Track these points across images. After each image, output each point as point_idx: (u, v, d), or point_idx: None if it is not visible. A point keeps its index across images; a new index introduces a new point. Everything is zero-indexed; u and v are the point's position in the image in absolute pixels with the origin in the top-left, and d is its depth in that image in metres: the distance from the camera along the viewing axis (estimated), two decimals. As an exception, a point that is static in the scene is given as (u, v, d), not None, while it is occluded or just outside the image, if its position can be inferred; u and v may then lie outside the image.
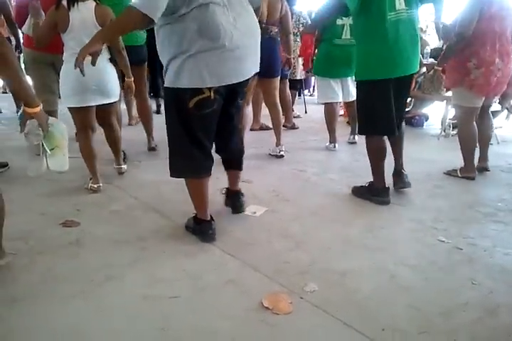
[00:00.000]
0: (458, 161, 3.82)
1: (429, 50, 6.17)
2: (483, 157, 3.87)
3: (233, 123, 2.59)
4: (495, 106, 5.50)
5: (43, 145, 2.09)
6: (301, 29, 6.02)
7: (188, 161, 2.39)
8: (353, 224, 2.78)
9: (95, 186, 3.17)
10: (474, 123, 3.71)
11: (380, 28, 2.81)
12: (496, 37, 3.41)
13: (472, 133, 3.70)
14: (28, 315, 1.79)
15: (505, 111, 6.24)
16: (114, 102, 3.23)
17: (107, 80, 3.04)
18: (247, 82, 2.40)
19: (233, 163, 2.76)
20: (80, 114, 3.09)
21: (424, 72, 5.91)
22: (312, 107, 7.30)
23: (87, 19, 2.92)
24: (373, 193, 3.14)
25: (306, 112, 7.08)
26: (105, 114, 3.25)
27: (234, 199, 2.87)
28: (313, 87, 9.95)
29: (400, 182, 3.27)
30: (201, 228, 2.50)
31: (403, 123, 3.26)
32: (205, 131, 2.37)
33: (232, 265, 2.25)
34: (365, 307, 1.90)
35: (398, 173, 3.29)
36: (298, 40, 6.05)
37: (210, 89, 2.21)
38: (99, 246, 2.41)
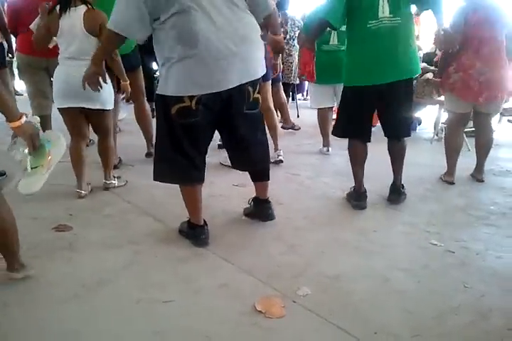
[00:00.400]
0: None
1: (421, 55, 6.21)
2: (478, 168, 3.80)
3: (246, 135, 2.43)
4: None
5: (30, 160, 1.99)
6: (297, 32, 6.03)
7: (169, 167, 2.38)
8: (346, 227, 2.79)
9: (77, 190, 3.17)
10: (461, 130, 3.76)
11: (359, 37, 2.86)
12: (483, 42, 3.38)
13: (455, 139, 3.75)
14: (21, 319, 1.78)
15: (498, 114, 6.28)
16: (106, 110, 3.12)
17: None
18: (244, 90, 2.26)
19: (258, 174, 2.69)
20: (67, 117, 3.10)
21: (416, 77, 5.96)
22: (306, 111, 7.31)
23: (76, 25, 2.91)
24: (352, 197, 3.19)
25: (298, 116, 7.08)
26: (95, 120, 3.18)
27: (263, 207, 2.76)
28: (307, 91, 9.99)
29: (392, 198, 3.20)
30: (194, 233, 2.50)
31: (404, 138, 3.10)
32: (191, 141, 2.32)
33: (226, 269, 2.25)
34: (358, 311, 1.90)
35: (393, 189, 3.21)
36: (295, 43, 6.08)
37: (191, 98, 2.18)
38: (93, 250, 2.40)
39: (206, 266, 2.26)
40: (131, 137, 4.71)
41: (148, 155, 4.20)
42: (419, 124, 6.49)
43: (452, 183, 3.70)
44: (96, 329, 1.74)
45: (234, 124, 2.39)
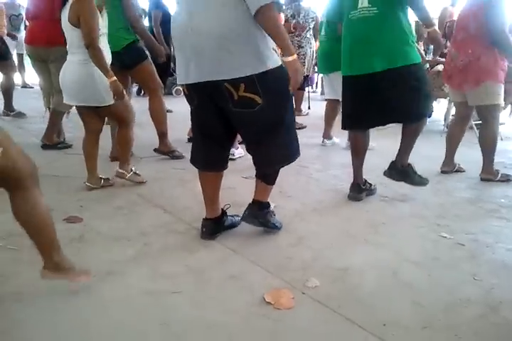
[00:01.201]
0: (459, 157, 3.83)
1: (431, 46, 6.15)
2: (483, 166, 3.71)
3: (246, 134, 2.35)
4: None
5: None
6: (311, 25, 6.00)
7: (192, 148, 2.47)
8: (355, 219, 2.79)
9: (86, 184, 3.16)
10: (459, 120, 3.83)
11: (344, 28, 2.96)
12: (458, 30, 3.53)
13: (453, 129, 3.89)
14: (30, 310, 1.79)
15: (509, 107, 6.23)
16: (106, 106, 2.99)
17: (78, 85, 2.91)
18: (220, 88, 2.11)
19: (259, 172, 2.47)
20: (77, 111, 3.12)
21: (427, 69, 5.91)
22: (316, 103, 7.31)
23: (65, 17, 2.86)
24: (349, 188, 3.22)
25: (309, 108, 7.11)
26: (104, 115, 3.15)
27: (247, 209, 2.51)
28: (316, 83, 9.97)
29: (386, 172, 3.20)
30: (201, 224, 2.51)
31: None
32: (199, 126, 2.37)
33: (234, 260, 2.25)
34: (367, 303, 1.90)
35: (391, 165, 3.18)
36: (308, 35, 6.06)
37: (182, 84, 2.26)
38: (102, 241, 2.41)
39: (215, 258, 2.27)
40: (140, 130, 4.71)
41: (156, 150, 4.11)
42: (429, 117, 6.44)
43: (445, 172, 3.77)
44: (105, 320, 1.75)
45: (231, 120, 2.29)
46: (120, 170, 3.28)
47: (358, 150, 3.16)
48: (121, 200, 3.00)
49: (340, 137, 4.86)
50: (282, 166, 2.44)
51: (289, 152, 2.40)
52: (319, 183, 3.50)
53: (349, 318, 1.79)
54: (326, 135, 4.82)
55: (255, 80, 2.09)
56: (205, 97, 2.22)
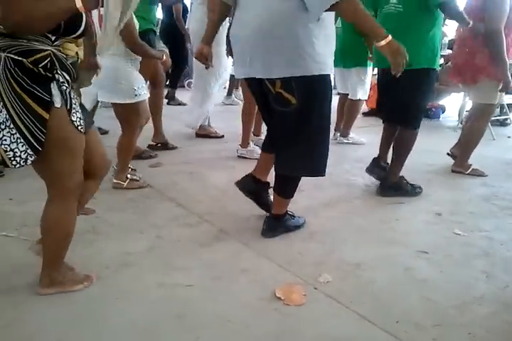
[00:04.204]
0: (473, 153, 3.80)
1: (446, 41, 6.09)
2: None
3: (276, 132, 2.32)
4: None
5: None
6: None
7: None
8: (368, 215, 2.78)
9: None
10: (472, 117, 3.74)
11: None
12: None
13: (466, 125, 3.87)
14: (44, 301, 1.81)
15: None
16: (120, 103, 2.87)
17: (104, 77, 2.66)
18: (264, 83, 2.14)
19: (275, 181, 2.42)
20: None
21: (441, 64, 5.86)
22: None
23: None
24: None
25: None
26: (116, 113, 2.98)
27: (265, 223, 2.49)
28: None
29: (380, 190, 3.15)
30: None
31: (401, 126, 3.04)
32: (261, 112, 2.51)
33: (247, 254, 2.26)
34: (379, 299, 1.90)
35: (382, 182, 3.15)
36: None
37: None
38: (115, 233, 2.42)
39: (228, 251, 2.27)
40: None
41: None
42: (443, 112, 6.40)
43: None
44: (118, 312, 1.76)
45: (271, 113, 2.29)
46: (116, 181, 3.07)
47: (385, 134, 3.30)
48: (133, 193, 3.01)
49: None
50: (298, 176, 2.38)
51: (311, 165, 2.30)
52: (332, 178, 3.46)
53: (361, 314, 1.79)
54: (344, 131, 4.72)
55: (292, 82, 2.07)
56: (256, 89, 2.30)
